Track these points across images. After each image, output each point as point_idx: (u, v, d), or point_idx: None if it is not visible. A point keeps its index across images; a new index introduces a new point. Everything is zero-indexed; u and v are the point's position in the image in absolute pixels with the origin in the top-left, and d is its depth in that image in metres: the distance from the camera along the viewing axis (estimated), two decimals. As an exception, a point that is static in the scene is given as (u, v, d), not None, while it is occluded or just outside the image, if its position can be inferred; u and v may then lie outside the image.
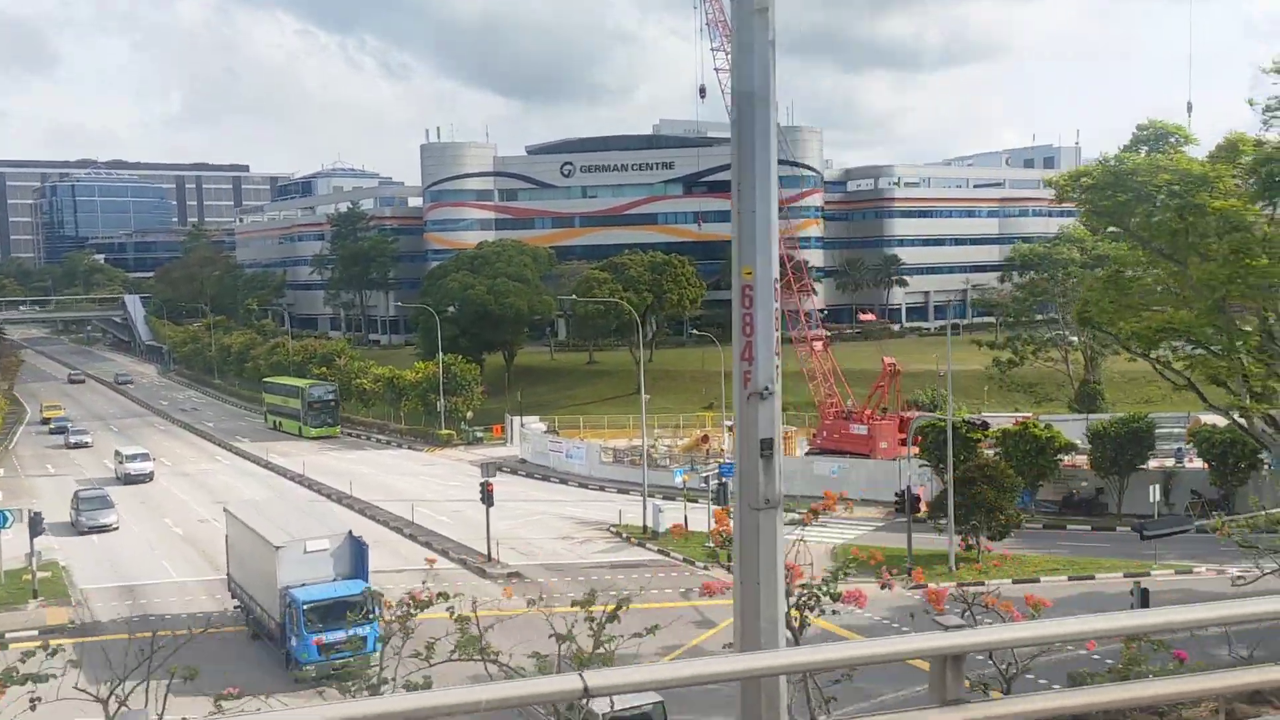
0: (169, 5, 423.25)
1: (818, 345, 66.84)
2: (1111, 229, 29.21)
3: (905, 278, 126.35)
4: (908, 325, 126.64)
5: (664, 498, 54.71)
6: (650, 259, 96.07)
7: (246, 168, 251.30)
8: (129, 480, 62.82)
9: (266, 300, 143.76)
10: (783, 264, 57.66)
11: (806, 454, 64.78)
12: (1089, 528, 49.40)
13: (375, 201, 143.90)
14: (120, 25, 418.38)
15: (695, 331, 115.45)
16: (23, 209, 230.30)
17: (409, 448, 77.86)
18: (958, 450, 50.98)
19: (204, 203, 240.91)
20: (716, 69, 70.07)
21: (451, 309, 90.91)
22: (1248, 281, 24.86)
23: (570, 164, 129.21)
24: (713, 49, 69.73)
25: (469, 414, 77.86)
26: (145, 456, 65.63)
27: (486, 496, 43.84)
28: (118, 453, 67.53)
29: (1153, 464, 51.52)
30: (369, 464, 70.07)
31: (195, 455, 76.02)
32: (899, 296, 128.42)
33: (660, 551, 46.91)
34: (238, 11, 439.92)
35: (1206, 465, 48.49)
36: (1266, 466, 54.72)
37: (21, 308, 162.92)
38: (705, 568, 43.94)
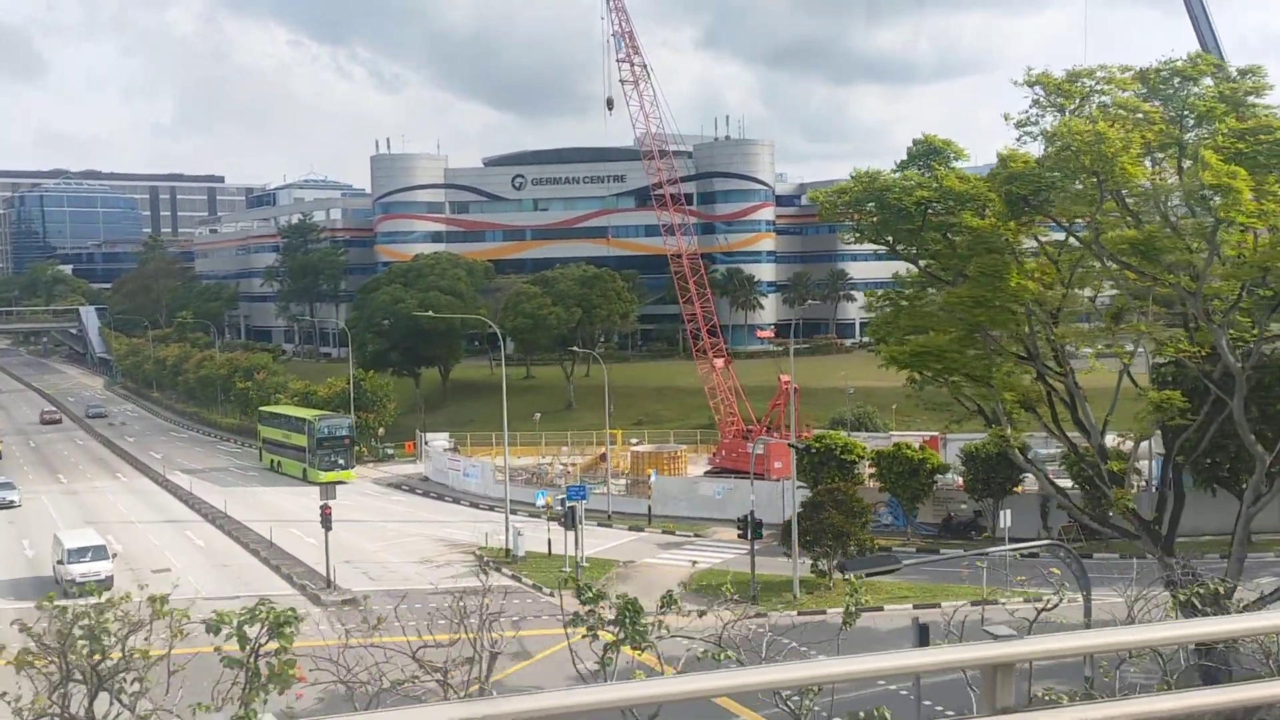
0: (159, 14, 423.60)
1: (719, 362, 65.54)
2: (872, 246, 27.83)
3: (855, 293, 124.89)
4: (860, 340, 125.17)
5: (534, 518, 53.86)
6: (581, 273, 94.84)
7: (222, 178, 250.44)
8: None
9: (219, 312, 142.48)
10: (684, 277, 56.29)
11: (705, 474, 63.49)
12: (962, 551, 47.94)
13: (342, 213, 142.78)
14: (109, 32, 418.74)
15: (637, 347, 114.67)
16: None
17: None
18: (833, 473, 49.90)
19: (178, 213, 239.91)
20: (621, 80, 69.01)
21: (386, 322, 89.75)
22: (994, 304, 23.58)
23: (522, 176, 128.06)
24: (618, 60, 68.65)
25: (380, 430, 76.46)
26: (9, 486, 62.09)
27: (325, 520, 42.49)
28: None
29: (1036, 487, 50.21)
30: (266, 480, 68.67)
31: (97, 472, 74.62)
32: (852, 311, 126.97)
33: (513, 577, 45.53)
34: (228, 21, 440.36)
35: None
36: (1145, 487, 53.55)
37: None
38: (551, 594, 42.63)
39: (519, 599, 42.69)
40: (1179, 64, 23.43)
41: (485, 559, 48.80)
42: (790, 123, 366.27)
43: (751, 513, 42.29)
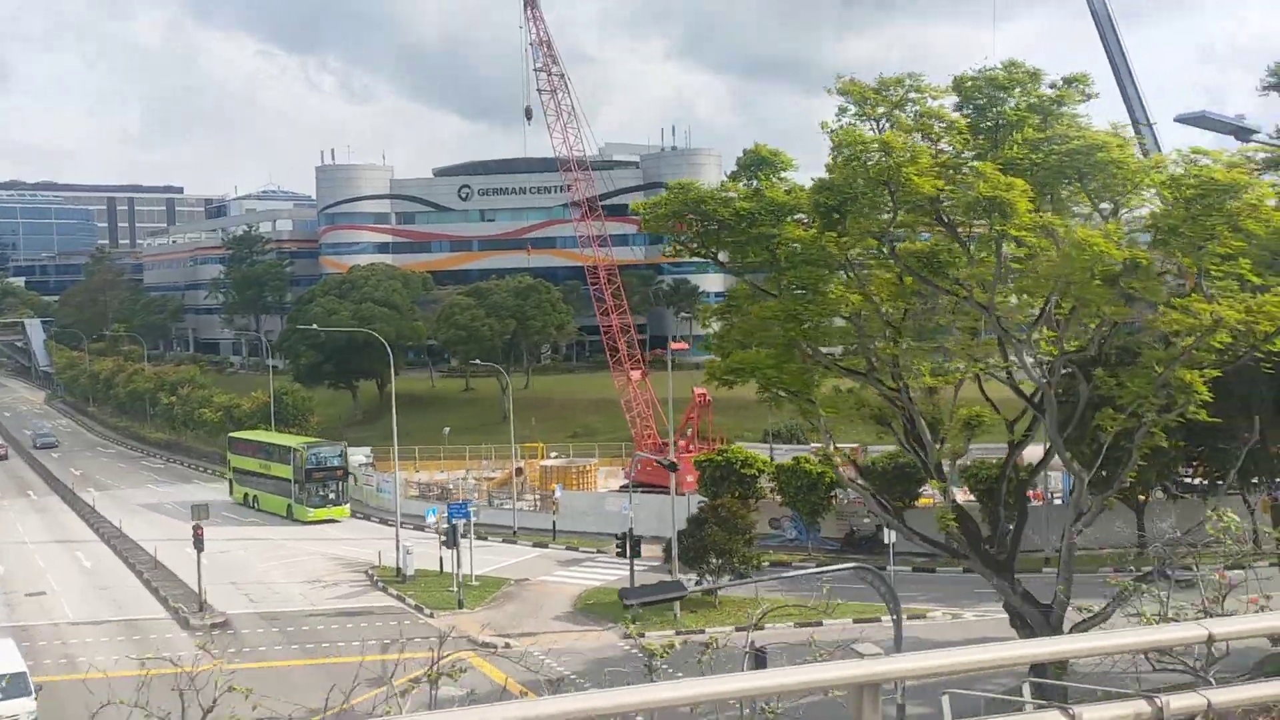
0: (126, 23, 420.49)
1: (635, 374, 64.76)
2: (696, 258, 27.12)
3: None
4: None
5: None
6: (516, 284, 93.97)
7: (181, 189, 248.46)
8: None
9: (164, 324, 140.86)
10: (600, 288, 55.32)
11: (621, 488, 62.59)
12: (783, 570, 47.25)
13: (291, 224, 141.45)
14: (76, 42, 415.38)
15: (583, 358, 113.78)
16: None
17: (238, 480, 75.11)
18: (733, 487, 49.15)
19: (135, 224, 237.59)
20: (539, 90, 68.27)
21: (321, 333, 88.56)
22: (808, 318, 22.87)
23: (468, 186, 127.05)
24: (535, 70, 67.91)
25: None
26: None
27: (197, 541, 41.39)
28: None
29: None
30: (176, 499, 67.27)
31: (6, 489, 73.10)
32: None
33: (398, 597, 44.53)
34: (196, 31, 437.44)
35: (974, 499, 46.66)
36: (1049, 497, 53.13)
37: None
38: (431, 615, 41.69)
39: (396, 620, 41.73)
40: (993, 73, 22.86)
41: (375, 578, 47.86)
42: (765, 133, 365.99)
43: (630, 530, 41.49)
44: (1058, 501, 54.25)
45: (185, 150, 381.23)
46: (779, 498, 49.60)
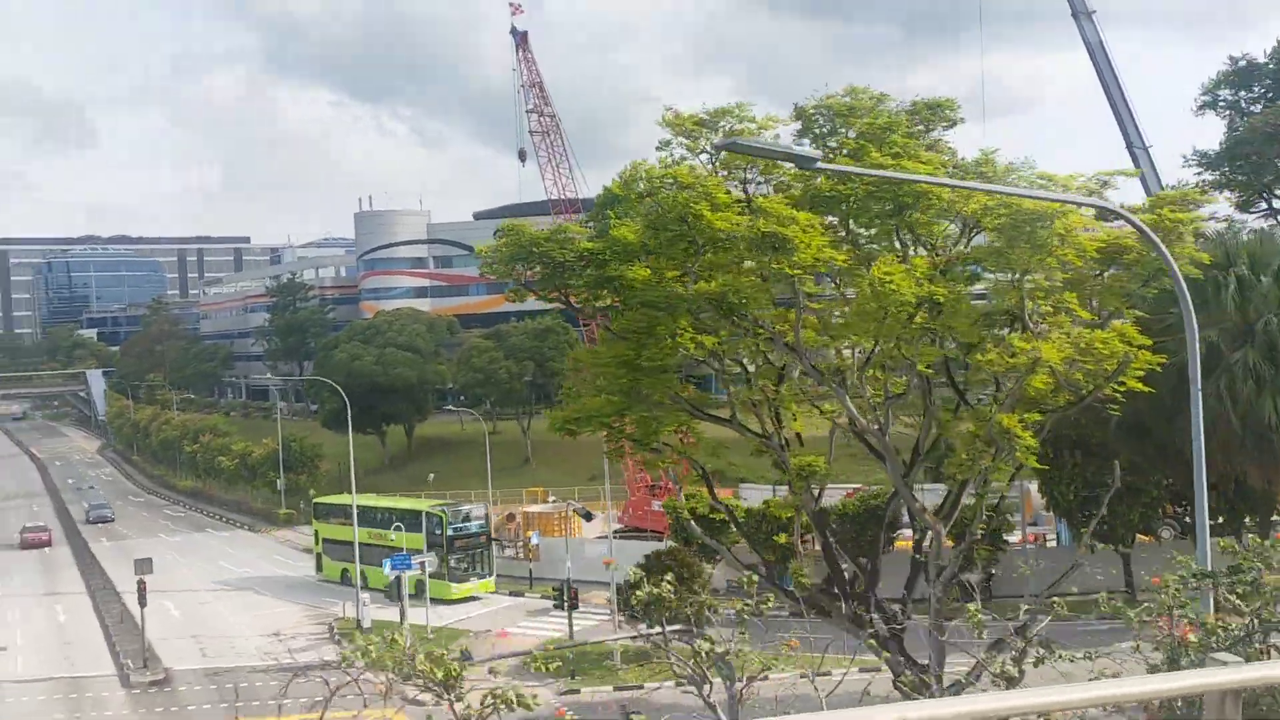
0: (205, 81, 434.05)
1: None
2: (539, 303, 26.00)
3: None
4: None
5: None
6: (536, 325, 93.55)
7: (247, 239, 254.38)
8: None
9: (215, 372, 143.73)
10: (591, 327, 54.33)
11: (615, 533, 61.21)
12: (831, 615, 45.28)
13: (335, 270, 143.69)
14: (157, 102, 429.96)
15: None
16: (24, 285, 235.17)
17: (247, 528, 75.55)
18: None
19: (204, 274, 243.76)
20: (531, 131, 67.92)
21: (346, 380, 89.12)
22: (642, 364, 21.50)
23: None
24: (528, 111, 67.61)
25: (311, 491, 75.40)
26: None
27: (141, 596, 41.16)
28: None
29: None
30: (177, 550, 67.50)
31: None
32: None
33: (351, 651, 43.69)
34: (272, 86, 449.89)
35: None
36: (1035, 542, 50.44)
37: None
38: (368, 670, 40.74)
39: (338, 676, 40.88)
40: (833, 99, 21.45)
41: (335, 631, 47.20)
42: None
43: (568, 580, 40.23)
44: (1052, 542, 51.71)
45: (256, 201, 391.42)
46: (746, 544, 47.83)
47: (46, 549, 68.90)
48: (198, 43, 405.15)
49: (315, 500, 63.91)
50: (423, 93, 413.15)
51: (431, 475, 67.72)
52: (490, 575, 54.23)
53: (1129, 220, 13.68)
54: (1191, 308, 13.12)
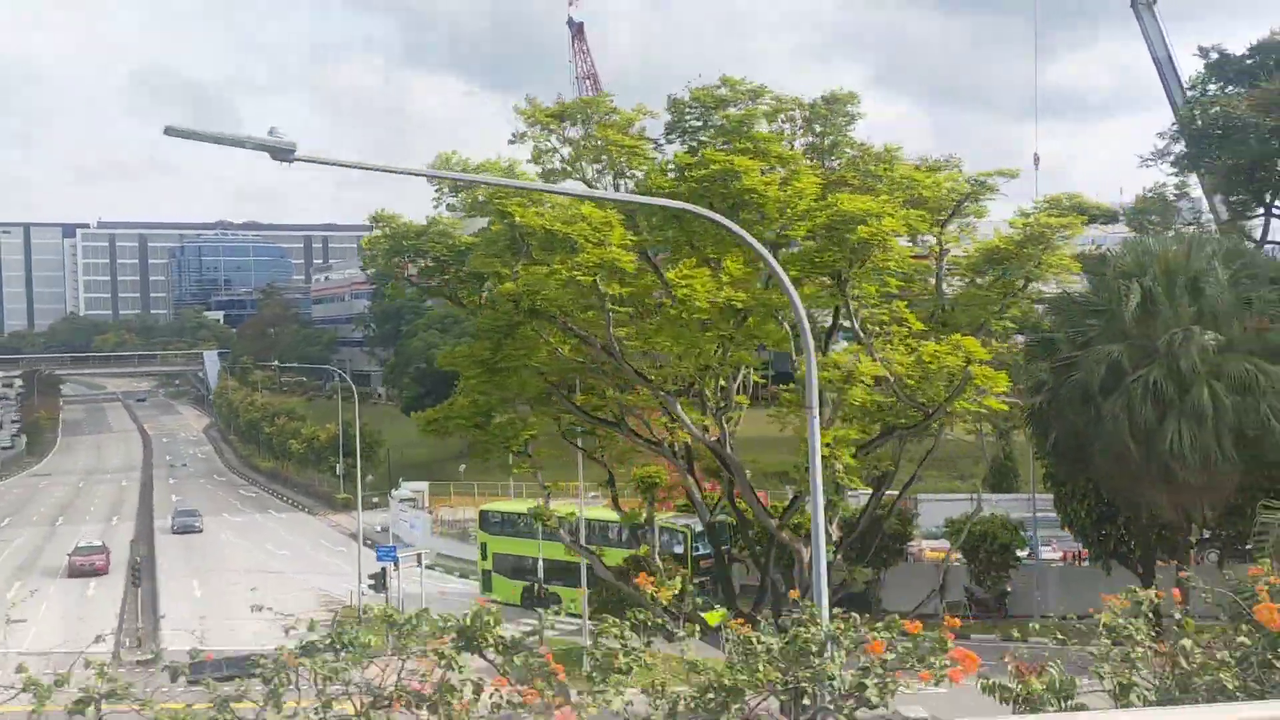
0: (341, 68, 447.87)
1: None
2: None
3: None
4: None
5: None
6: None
7: (370, 227, 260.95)
8: None
9: (320, 357, 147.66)
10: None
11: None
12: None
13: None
14: (298, 89, 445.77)
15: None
16: (161, 268, 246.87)
17: (307, 511, 77.22)
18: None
19: (329, 260, 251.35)
20: (581, 123, 67.20)
21: (422, 367, 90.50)
22: (501, 366, 20.51)
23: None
24: (579, 102, 66.93)
25: (369, 477, 76.51)
26: None
27: (135, 575, 42.15)
28: None
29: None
30: (235, 530, 69.21)
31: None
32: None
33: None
34: (408, 75, 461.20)
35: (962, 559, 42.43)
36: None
37: (113, 363, 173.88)
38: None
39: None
40: (705, 90, 20.03)
41: (337, 617, 47.43)
42: (966, 160, 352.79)
43: (538, 581, 39.48)
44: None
45: (385, 189, 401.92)
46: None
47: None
48: (336, 32, 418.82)
49: (482, 510, 57.02)
50: (550, 84, 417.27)
51: (463, 467, 67.79)
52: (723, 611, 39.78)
53: (768, 261, 11.99)
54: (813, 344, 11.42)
